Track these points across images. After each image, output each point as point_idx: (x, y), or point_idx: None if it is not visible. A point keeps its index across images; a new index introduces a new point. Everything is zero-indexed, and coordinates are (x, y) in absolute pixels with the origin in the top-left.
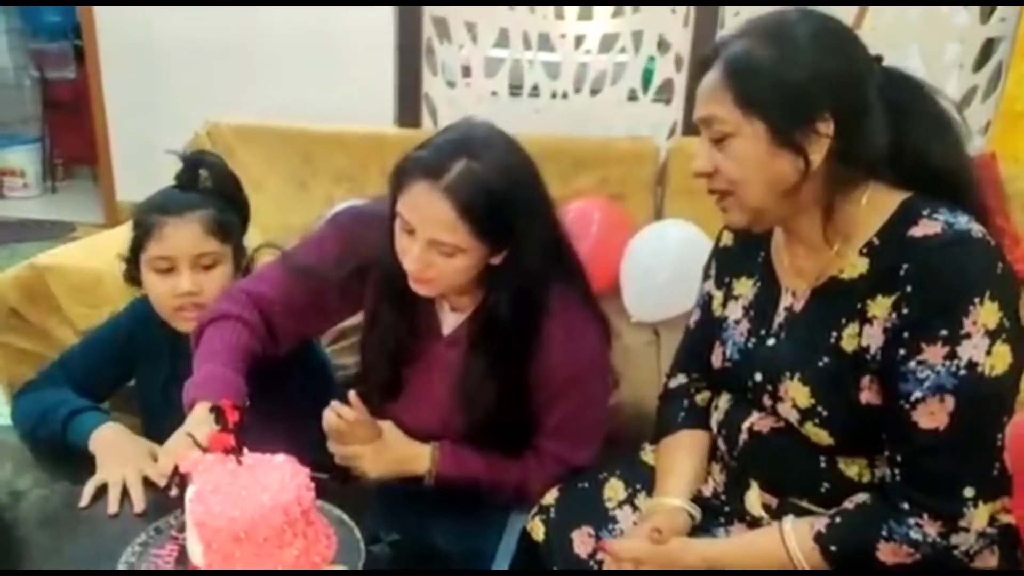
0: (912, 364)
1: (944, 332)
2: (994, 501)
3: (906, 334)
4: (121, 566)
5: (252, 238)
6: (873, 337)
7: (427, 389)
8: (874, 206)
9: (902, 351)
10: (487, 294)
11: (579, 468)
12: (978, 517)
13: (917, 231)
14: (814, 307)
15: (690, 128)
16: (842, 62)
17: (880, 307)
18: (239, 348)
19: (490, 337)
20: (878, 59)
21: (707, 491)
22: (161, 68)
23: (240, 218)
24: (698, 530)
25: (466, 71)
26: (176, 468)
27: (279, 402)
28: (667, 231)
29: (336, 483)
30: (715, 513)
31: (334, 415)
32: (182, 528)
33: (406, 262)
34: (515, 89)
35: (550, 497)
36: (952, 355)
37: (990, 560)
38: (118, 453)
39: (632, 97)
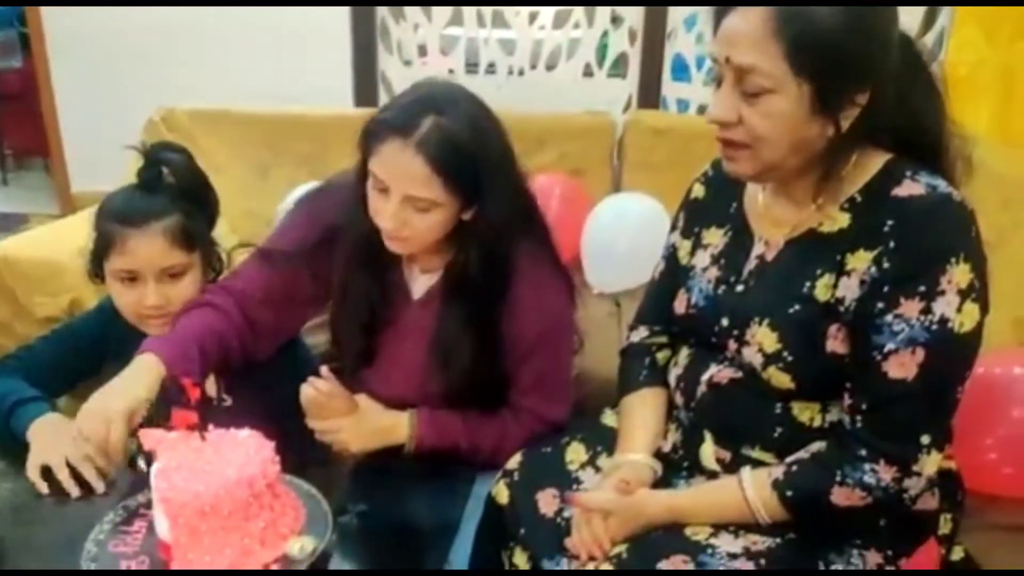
0: (888, 317)
1: (922, 288)
2: (943, 450)
3: (885, 288)
4: (89, 544)
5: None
6: (849, 289)
7: (401, 354)
8: (860, 164)
9: (880, 304)
10: (456, 252)
11: (554, 423)
12: (930, 463)
13: (901, 191)
14: (788, 256)
15: (646, 102)
16: (889, 33)
17: (860, 260)
18: (208, 329)
19: (462, 295)
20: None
21: (665, 447)
22: (111, 55)
23: (208, 217)
24: (660, 484)
25: (422, 50)
26: (138, 446)
27: (268, 405)
28: (625, 204)
29: (320, 463)
30: (675, 467)
31: (311, 389)
32: (150, 505)
33: (381, 221)
34: (471, 67)
35: (514, 461)
36: (927, 310)
37: (931, 502)
38: (51, 437)
39: (587, 72)
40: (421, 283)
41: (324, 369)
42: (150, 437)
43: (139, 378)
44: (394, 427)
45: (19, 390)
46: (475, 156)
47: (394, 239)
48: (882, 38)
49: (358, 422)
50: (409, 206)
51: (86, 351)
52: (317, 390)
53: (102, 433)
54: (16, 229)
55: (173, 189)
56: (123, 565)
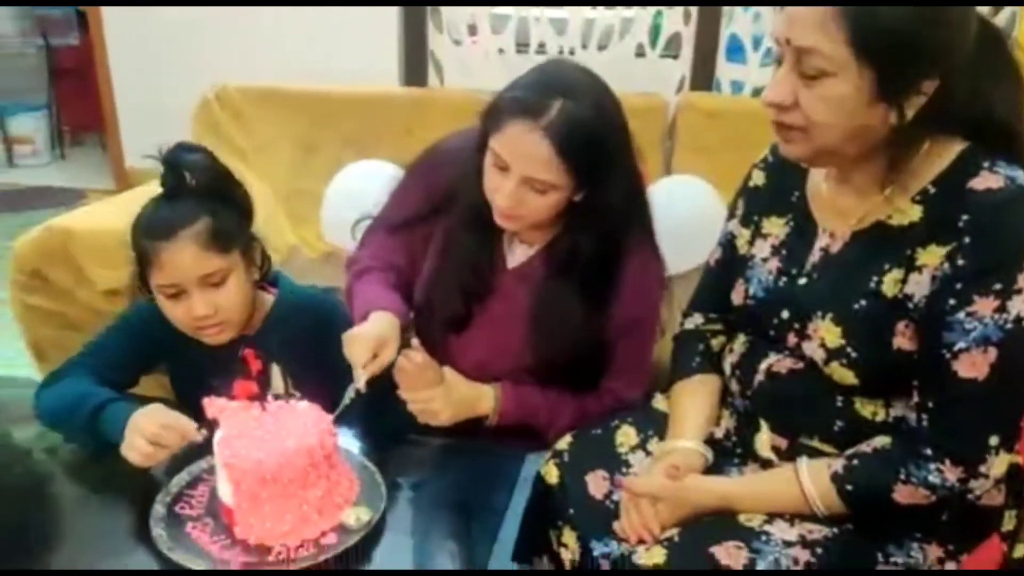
0: (961, 315)
1: (998, 286)
2: (1012, 450)
3: (959, 285)
4: (157, 505)
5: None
6: (919, 285)
7: (491, 322)
8: (932, 154)
9: (952, 301)
10: (566, 230)
11: (631, 405)
12: (998, 464)
13: (978, 183)
14: (854, 249)
15: (699, 83)
16: (963, 22)
17: (932, 256)
18: (389, 284)
19: (571, 272)
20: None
21: (718, 433)
22: (165, 32)
23: (242, 214)
24: (711, 471)
25: (472, 29)
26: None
27: (332, 392)
28: (676, 186)
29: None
30: (727, 455)
31: (406, 361)
32: (212, 470)
33: (497, 198)
34: (521, 46)
35: (564, 442)
36: (1002, 308)
37: (996, 498)
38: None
39: (640, 53)
40: (518, 254)
41: (415, 341)
42: (213, 406)
43: (382, 326)
44: (479, 398)
45: (98, 391)
46: (600, 142)
47: (507, 217)
48: (955, 27)
49: (448, 392)
50: (526, 187)
51: (142, 347)
52: (411, 361)
53: (369, 355)
54: (73, 204)
55: (198, 191)
56: (189, 526)
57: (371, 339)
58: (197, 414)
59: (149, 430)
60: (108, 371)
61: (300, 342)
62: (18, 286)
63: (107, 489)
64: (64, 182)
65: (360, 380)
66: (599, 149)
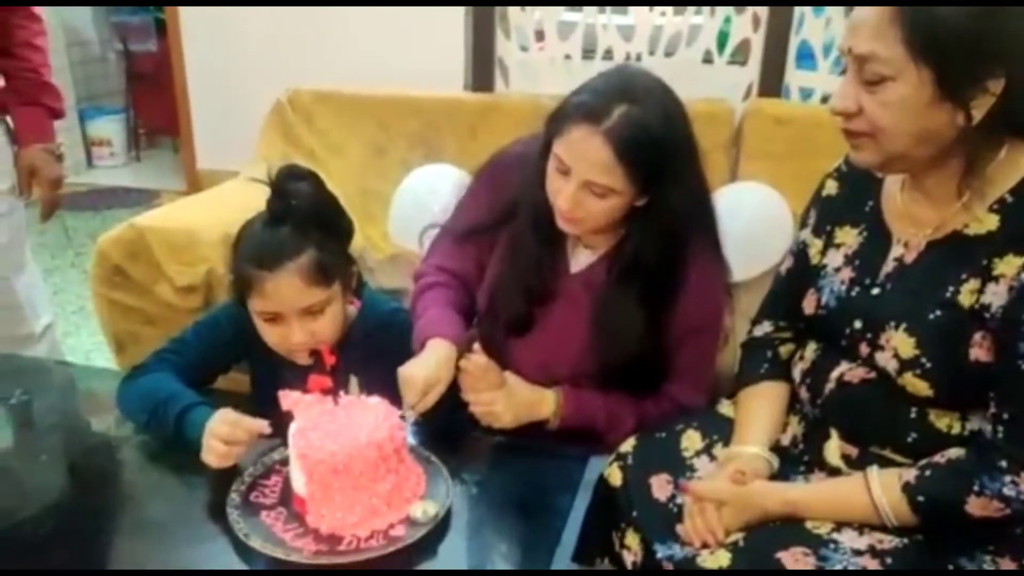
0: None
1: None
2: None
3: None
4: (233, 494)
5: None
6: (997, 295)
7: (555, 326)
8: (1010, 163)
9: None
10: (629, 235)
11: (693, 411)
12: None
13: None
14: (929, 259)
15: (767, 89)
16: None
17: (1010, 266)
18: (450, 303)
19: (634, 278)
20: None
21: (785, 440)
22: (239, 39)
23: (344, 242)
24: (776, 478)
25: (539, 35)
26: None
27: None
28: (742, 193)
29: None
30: (793, 462)
31: (470, 363)
32: (285, 462)
33: (559, 201)
34: (588, 53)
35: (628, 445)
36: None
37: None
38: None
39: (707, 59)
40: (582, 258)
41: (476, 345)
42: (288, 399)
43: (438, 360)
44: (540, 401)
45: (180, 395)
46: (662, 148)
47: (568, 220)
48: (1013, 22)
49: (509, 395)
50: (587, 190)
51: (227, 346)
52: (473, 364)
53: (420, 395)
54: (148, 204)
55: (304, 219)
56: (263, 514)
57: (422, 380)
58: (273, 411)
59: (223, 431)
60: (190, 369)
61: (379, 359)
62: (100, 281)
63: (184, 478)
64: (139, 183)
65: (409, 418)
66: (660, 156)
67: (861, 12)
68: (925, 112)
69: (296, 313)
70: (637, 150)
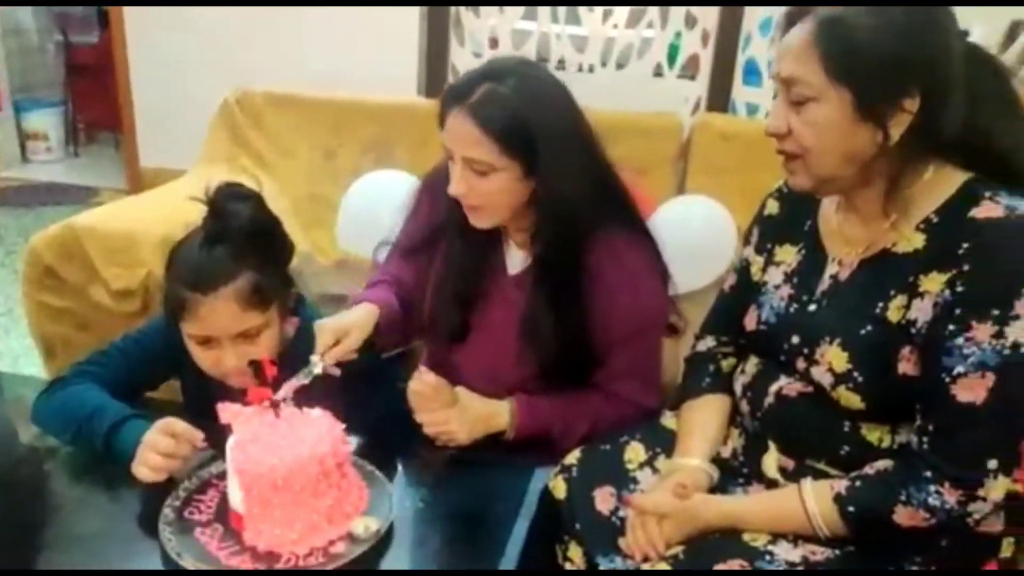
0: (959, 340)
1: (996, 312)
2: (1011, 475)
3: (958, 310)
4: (166, 510)
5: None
6: (922, 311)
7: (493, 329)
8: (936, 183)
9: (951, 327)
10: (533, 227)
11: (647, 410)
12: (996, 489)
13: (979, 212)
14: (861, 277)
15: (715, 104)
16: (938, 40)
17: (934, 283)
18: (391, 290)
19: (544, 271)
20: (964, 34)
21: (725, 452)
22: (185, 33)
23: (283, 264)
24: (716, 490)
25: (493, 43)
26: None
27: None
28: (689, 206)
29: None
30: (733, 474)
31: (419, 383)
32: (222, 476)
33: (452, 188)
34: (541, 62)
35: (572, 457)
36: (1000, 335)
37: (996, 524)
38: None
39: (658, 72)
40: (517, 260)
41: (421, 366)
42: (227, 411)
43: (352, 314)
44: (495, 414)
45: (111, 407)
46: (528, 120)
47: (468, 209)
48: (926, 42)
49: (463, 412)
50: (469, 170)
51: (156, 362)
52: (424, 383)
53: (330, 343)
54: (86, 202)
55: (242, 241)
56: (197, 531)
57: (334, 328)
58: (207, 421)
59: (161, 443)
60: (113, 385)
61: (318, 377)
62: (30, 283)
63: (115, 491)
64: (77, 180)
65: (315, 367)
66: (528, 126)
67: (786, 38)
68: (847, 132)
69: (231, 337)
70: (498, 120)
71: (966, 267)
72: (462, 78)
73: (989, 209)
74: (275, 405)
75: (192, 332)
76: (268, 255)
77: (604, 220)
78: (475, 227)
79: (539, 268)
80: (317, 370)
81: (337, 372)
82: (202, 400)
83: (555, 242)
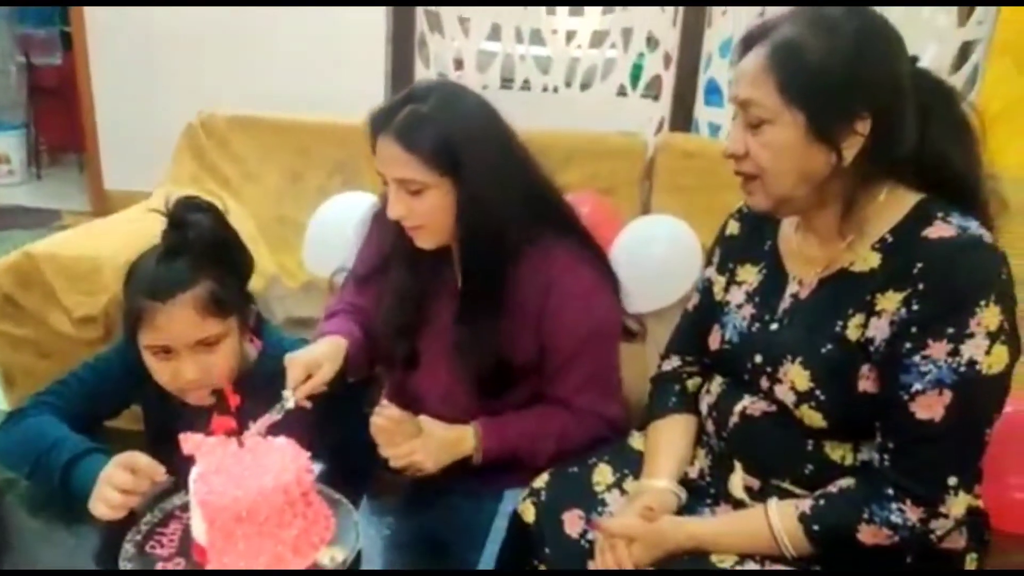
0: (916, 358)
1: (950, 330)
2: (972, 492)
3: (914, 329)
4: (127, 545)
5: (248, 231)
6: (879, 329)
7: (446, 350)
8: (890, 204)
9: (908, 345)
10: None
11: (613, 421)
12: (957, 505)
13: (932, 232)
14: (821, 296)
15: (677, 124)
16: (887, 63)
17: (890, 301)
18: (355, 321)
19: (468, 285)
20: (913, 60)
21: (692, 473)
22: (149, 55)
23: (242, 277)
24: (684, 511)
25: (458, 64)
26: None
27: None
28: (654, 225)
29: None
30: (700, 494)
31: (381, 419)
32: (185, 508)
33: (390, 212)
34: (506, 82)
35: (540, 480)
36: (955, 352)
37: (959, 541)
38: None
39: (621, 92)
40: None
41: (383, 400)
42: (190, 442)
43: (322, 347)
44: (459, 440)
45: (70, 440)
46: (450, 134)
47: (411, 231)
48: (875, 67)
49: (427, 442)
50: (404, 191)
51: (115, 388)
52: (387, 418)
53: (302, 377)
54: (48, 224)
55: (201, 252)
56: (159, 566)
57: (306, 362)
58: (168, 450)
59: (120, 479)
60: (72, 415)
61: (289, 411)
62: None
63: (73, 525)
64: (39, 202)
65: (288, 402)
66: (447, 137)
67: (743, 62)
68: (802, 153)
69: (188, 347)
70: (424, 140)
71: (920, 286)
72: (384, 105)
73: (941, 229)
74: (239, 434)
75: (150, 343)
76: (227, 266)
77: (539, 234)
78: (423, 251)
79: (467, 283)
80: (290, 405)
81: (308, 405)
82: (164, 427)
83: (479, 255)
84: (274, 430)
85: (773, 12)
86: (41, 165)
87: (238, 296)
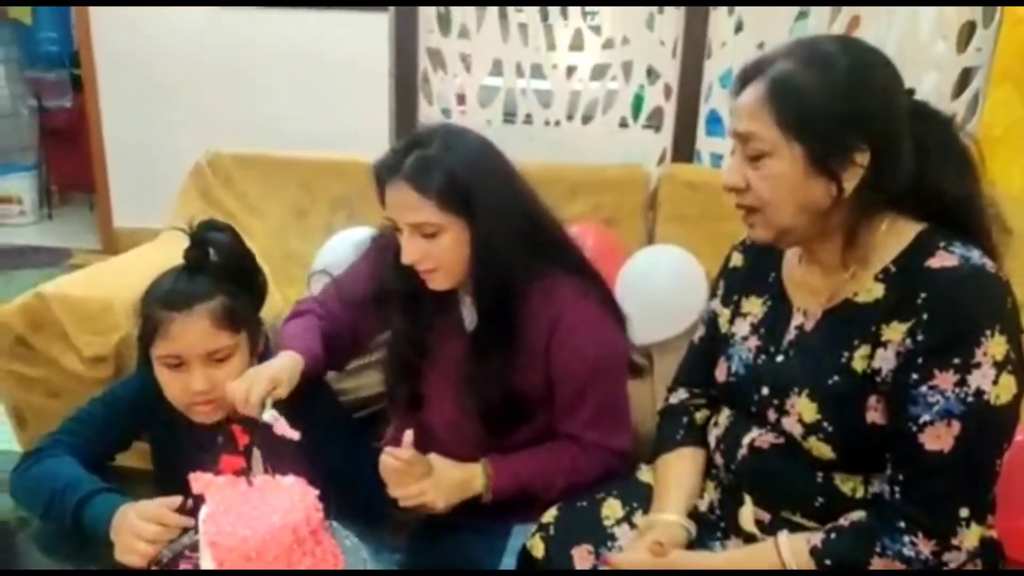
0: (923, 389)
1: (956, 360)
2: (985, 523)
3: (920, 360)
4: None
5: None
6: (886, 360)
7: (454, 388)
8: (892, 234)
9: (914, 375)
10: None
11: (622, 453)
12: (970, 537)
13: (935, 262)
14: (826, 327)
15: (680, 155)
16: (883, 96)
17: (895, 332)
18: (318, 329)
19: (483, 323)
20: (910, 92)
21: (702, 506)
22: (157, 97)
23: (256, 298)
24: (694, 545)
25: (460, 99)
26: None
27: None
28: (658, 256)
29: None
30: (710, 528)
31: (391, 459)
32: (195, 547)
33: (404, 257)
34: (509, 117)
35: (549, 515)
36: (962, 382)
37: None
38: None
39: (623, 124)
40: (472, 314)
41: (407, 437)
42: (199, 481)
43: (283, 363)
44: (470, 479)
45: (83, 480)
46: (459, 174)
47: (425, 274)
48: (870, 100)
49: (438, 482)
50: (418, 236)
51: (125, 420)
52: (398, 459)
53: (243, 393)
54: (60, 263)
55: (219, 270)
56: None
57: (271, 376)
58: (176, 489)
59: (150, 532)
60: (88, 450)
61: (287, 441)
62: (0, 352)
63: (84, 566)
64: (50, 241)
65: (266, 412)
66: (458, 179)
67: (741, 97)
68: (802, 185)
69: (200, 358)
70: (435, 182)
71: (925, 316)
72: (388, 153)
73: (944, 259)
74: (246, 473)
75: (163, 353)
76: (243, 283)
77: (544, 269)
78: (426, 292)
79: (481, 320)
80: (267, 416)
81: (296, 436)
82: (172, 464)
83: (493, 292)
84: (282, 467)
85: (772, 45)
86: (52, 205)
87: (251, 314)
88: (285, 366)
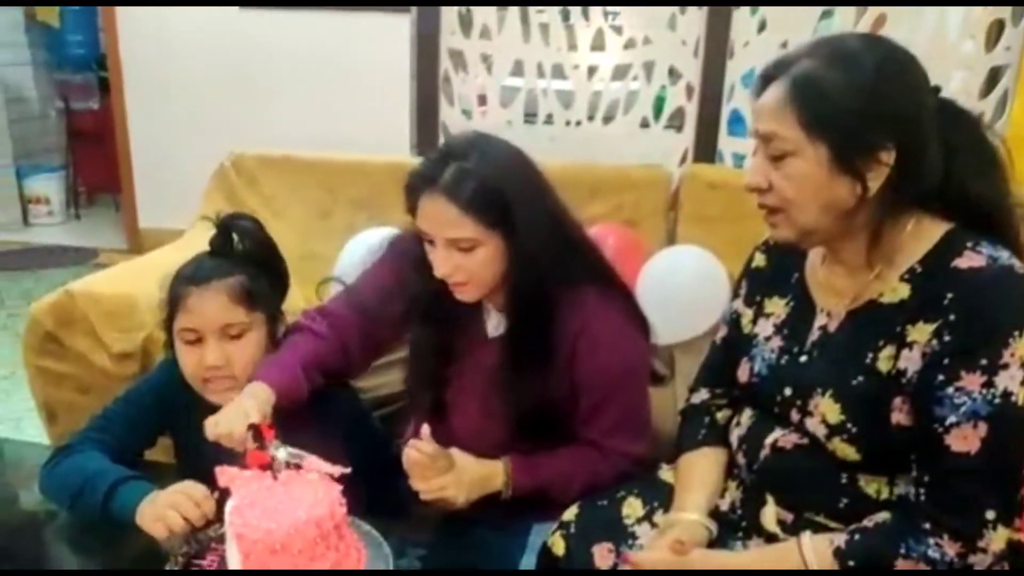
0: (950, 390)
1: (984, 361)
2: (1012, 525)
3: (946, 361)
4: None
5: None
6: (911, 361)
7: (476, 393)
8: (918, 234)
9: (940, 377)
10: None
11: (639, 459)
12: (996, 540)
13: (962, 262)
14: (850, 328)
15: (701, 155)
16: (909, 94)
17: (921, 333)
18: (309, 352)
19: (518, 331)
20: (936, 90)
21: (723, 505)
22: (182, 99)
23: (276, 285)
24: (715, 544)
25: (482, 100)
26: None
27: (317, 430)
28: (680, 256)
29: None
30: (732, 527)
31: (415, 452)
32: (221, 539)
33: (437, 271)
34: (530, 117)
35: (570, 513)
36: (989, 384)
37: None
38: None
39: (644, 125)
40: (496, 323)
41: (424, 428)
42: (225, 474)
43: (254, 398)
44: (491, 475)
45: (110, 469)
46: (499, 189)
47: (456, 286)
48: (896, 98)
49: (459, 476)
50: (454, 249)
51: (150, 416)
52: (421, 452)
53: (226, 437)
54: (87, 262)
55: (242, 254)
56: None
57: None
58: (200, 483)
59: (187, 507)
60: (117, 446)
61: (306, 428)
62: (31, 349)
63: (113, 558)
64: (77, 241)
65: (280, 452)
66: (499, 195)
67: (763, 97)
68: (826, 184)
69: (215, 332)
70: (474, 195)
71: (952, 317)
72: (424, 164)
73: (971, 259)
74: (272, 468)
75: (182, 326)
76: (263, 267)
77: (573, 276)
78: (451, 302)
79: (515, 329)
80: (281, 454)
81: (335, 471)
82: (196, 460)
83: (528, 302)
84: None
85: (795, 45)
86: (79, 205)
87: (269, 296)
88: (252, 409)
